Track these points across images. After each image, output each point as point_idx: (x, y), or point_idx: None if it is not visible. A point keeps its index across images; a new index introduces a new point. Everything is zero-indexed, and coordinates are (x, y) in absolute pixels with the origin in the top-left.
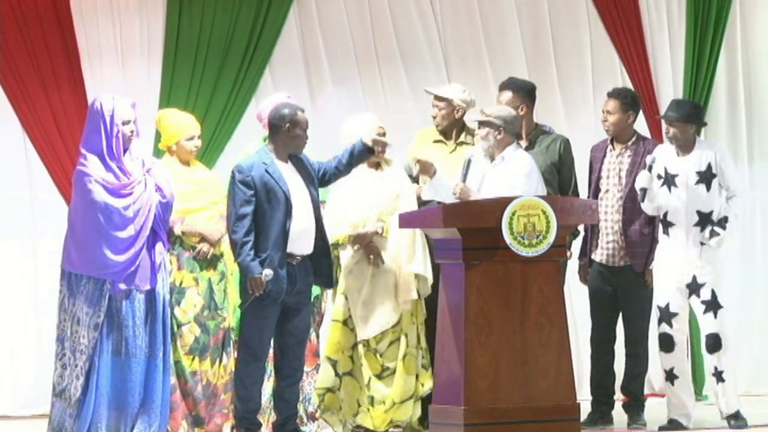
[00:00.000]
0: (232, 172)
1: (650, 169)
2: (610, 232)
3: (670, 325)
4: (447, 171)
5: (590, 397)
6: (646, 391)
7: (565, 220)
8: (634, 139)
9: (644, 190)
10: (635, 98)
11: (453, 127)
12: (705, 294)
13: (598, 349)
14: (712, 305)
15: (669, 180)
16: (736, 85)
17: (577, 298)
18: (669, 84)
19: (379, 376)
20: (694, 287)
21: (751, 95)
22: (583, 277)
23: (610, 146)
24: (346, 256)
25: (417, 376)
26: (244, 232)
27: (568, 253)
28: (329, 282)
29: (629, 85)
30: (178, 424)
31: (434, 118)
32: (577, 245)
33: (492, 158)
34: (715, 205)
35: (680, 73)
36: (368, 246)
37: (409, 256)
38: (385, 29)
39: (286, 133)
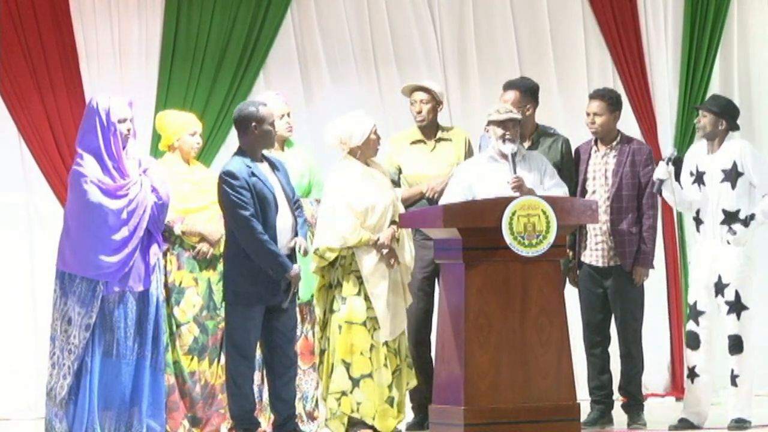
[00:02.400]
0: (224, 178)
1: (669, 162)
2: (598, 233)
3: (697, 323)
4: (431, 169)
5: (590, 398)
6: (644, 392)
7: (565, 220)
8: (618, 139)
9: (661, 182)
10: (618, 98)
11: (434, 123)
12: (729, 294)
13: (591, 351)
14: (736, 306)
15: (699, 178)
16: (731, 87)
17: (575, 298)
18: (665, 87)
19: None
20: (719, 287)
21: (747, 97)
22: (573, 279)
23: (594, 147)
24: (368, 259)
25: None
26: (261, 229)
27: (570, 254)
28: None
29: (624, 88)
30: (177, 425)
31: (418, 113)
32: None
33: (512, 155)
34: (743, 204)
35: (677, 76)
36: (388, 249)
37: (408, 254)
38: (383, 31)
39: (254, 130)
